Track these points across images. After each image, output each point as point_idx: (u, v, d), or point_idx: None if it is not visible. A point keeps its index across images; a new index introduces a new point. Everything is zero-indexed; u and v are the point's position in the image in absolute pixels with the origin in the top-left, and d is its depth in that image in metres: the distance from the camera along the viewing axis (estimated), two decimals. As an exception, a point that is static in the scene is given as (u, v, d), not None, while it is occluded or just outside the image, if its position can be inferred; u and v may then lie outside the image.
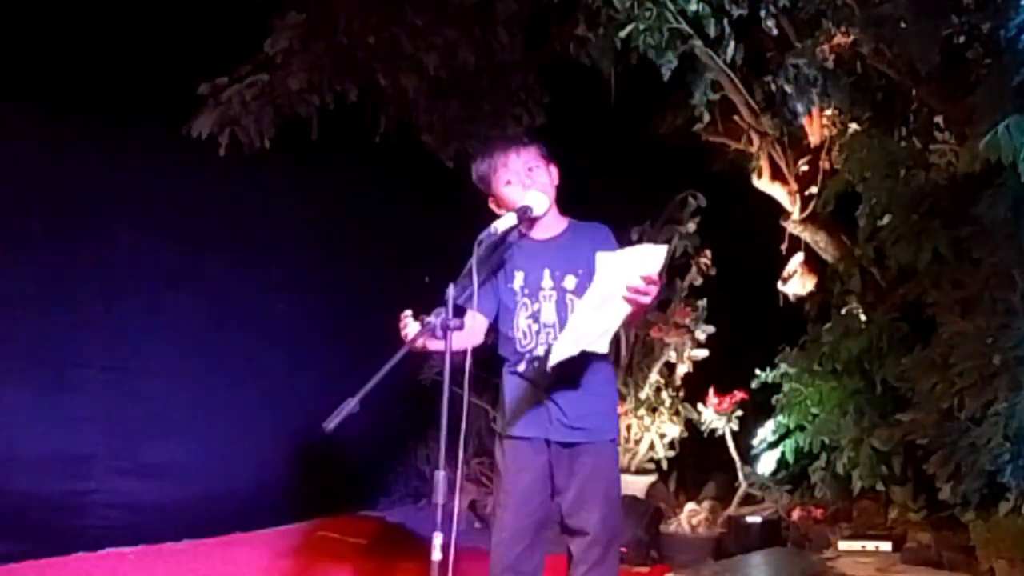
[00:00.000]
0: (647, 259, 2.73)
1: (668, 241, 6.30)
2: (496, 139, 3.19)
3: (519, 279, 3.11)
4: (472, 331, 3.05)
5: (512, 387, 3.13)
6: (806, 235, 6.15)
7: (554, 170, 3.16)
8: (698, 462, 6.23)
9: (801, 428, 5.67)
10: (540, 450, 3.06)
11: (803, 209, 6.08)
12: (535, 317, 3.08)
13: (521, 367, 3.08)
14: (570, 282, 3.05)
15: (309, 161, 5.85)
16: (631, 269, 2.72)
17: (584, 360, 2.98)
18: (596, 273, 2.77)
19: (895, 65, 5.22)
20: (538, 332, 3.07)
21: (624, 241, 3.25)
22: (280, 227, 6.11)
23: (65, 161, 5.26)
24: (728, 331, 6.13)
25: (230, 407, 5.91)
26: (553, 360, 2.88)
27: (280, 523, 6.00)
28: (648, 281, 2.71)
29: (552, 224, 3.15)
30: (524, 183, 3.08)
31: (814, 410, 5.63)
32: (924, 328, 5.34)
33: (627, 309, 2.78)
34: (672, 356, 6.11)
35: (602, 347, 2.88)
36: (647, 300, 2.75)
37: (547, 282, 3.08)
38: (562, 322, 3.03)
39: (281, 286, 6.13)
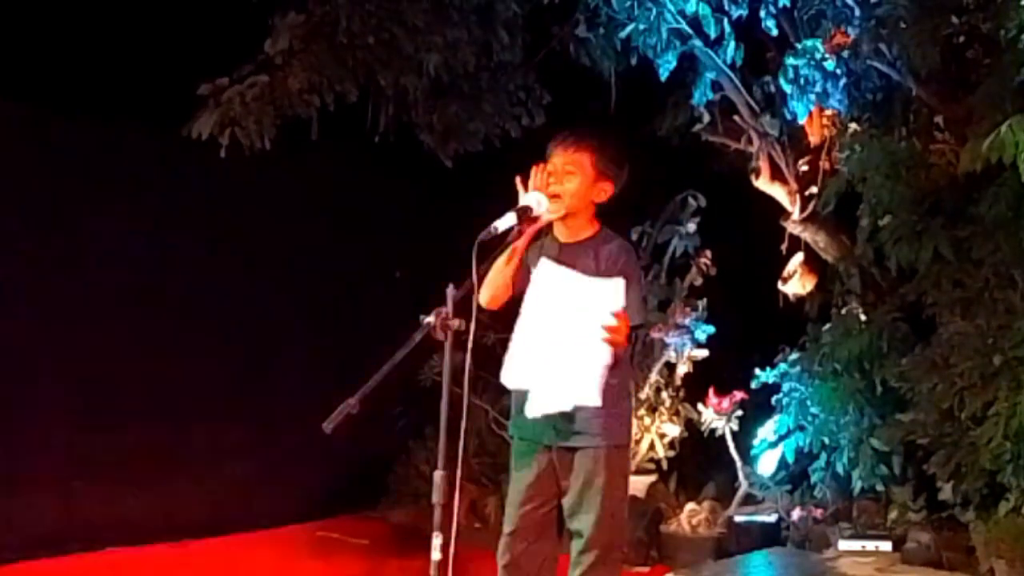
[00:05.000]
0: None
1: (668, 242, 6.31)
2: (577, 129, 3.14)
3: (531, 273, 3.12)
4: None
5: None
6: (806, 235, 6.14)
7: (607, 187, 3.10)
8: (698, 462, 6.22)
9: (801, 428, 5.67)
10: (542, 450, 3.07)
11: (803, 209, 6.06)
12: None
13: None
14: None
15: (309, 161, 5.85)
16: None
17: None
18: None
19: (895, 65, 5.22)
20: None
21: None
22: (277, 226, 6.11)
23: (64, 160, 5.27)
24: (728, 331, 6.13)
25: (230, 406, 5.91)
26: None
27: (280, 523, 6.00)
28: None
29: (577, 230, 3.12)
30: (555, 177, 3.04)
31: (814, 410, 5.62)
32: (924, 328, 5.34)
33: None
34: (672, 356, 6.10)
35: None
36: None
37: None
38: None
39: (280, 285, 6.13)
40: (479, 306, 2.75)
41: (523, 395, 3.07)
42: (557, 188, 3.05)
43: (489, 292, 3.04)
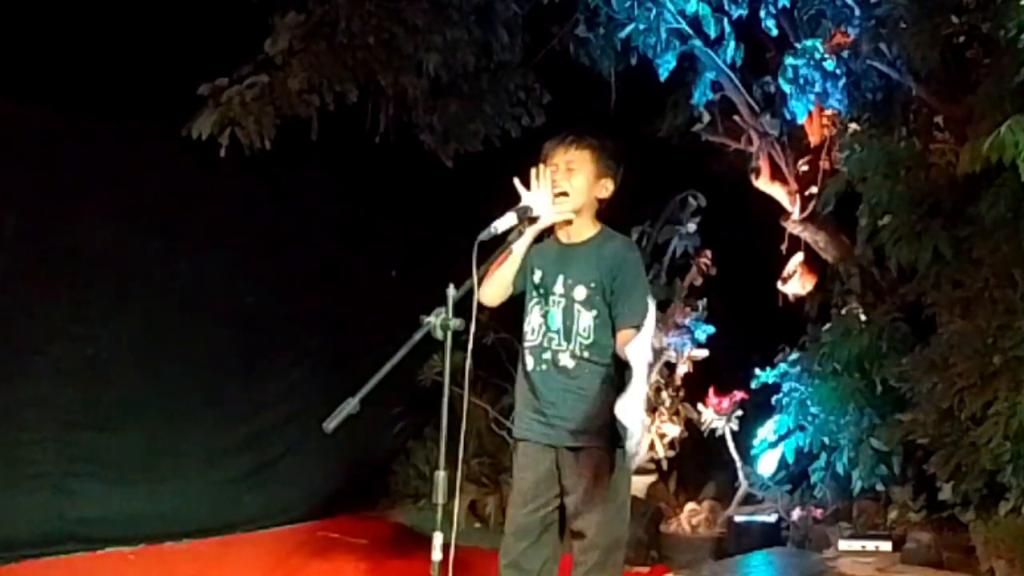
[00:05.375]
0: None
1: (668, 242, 6.31)
2: (572, 129, 3.17)
3: (537, 276, 3.13)
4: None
5: (520, 389, 3.17)
6: (806, 235, 6.14)
7: (608, 184, 3.13)
8: (698, 462, 6.22)
9: (801, 428, 5.67)
10: (545, 451, 3.07)
11: (803, 209, 6.06)
12: (544, 319, 3.10)
13: (529, 364, 3.11)
14: (580, 292, 3.06)
15: (309, 161, 5.86)
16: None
17: (592, 369, 2.99)
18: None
19: (895, 65, 5.22)
20: (545, 333, 3.09)
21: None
22: (277, 226, 6.11)
23: (65, 160, 5.27)
24: (728, 331, 6.13)
25: (229, 406, 5.92)
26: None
27: (280, 523, 6.01)
28: None
29: (580, 230, 3.13)
30: (559, 176, 3.06)
31: (814, 410, 5.62)
32: (924, 328, 5.33)
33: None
34: (672, 356, 6.10)
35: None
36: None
37: (559, 288, 3.09)
38: (566, 330, 3.05)
39: (281, 285, 6.13)
40: (479, 306, 2.74)
41: (528, 395, 3.09)
42: (564, 185, 3.05)
43: (489, 289, 3.04)
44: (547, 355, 3.07)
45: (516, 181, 3.04)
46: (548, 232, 3.17)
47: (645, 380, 2.79)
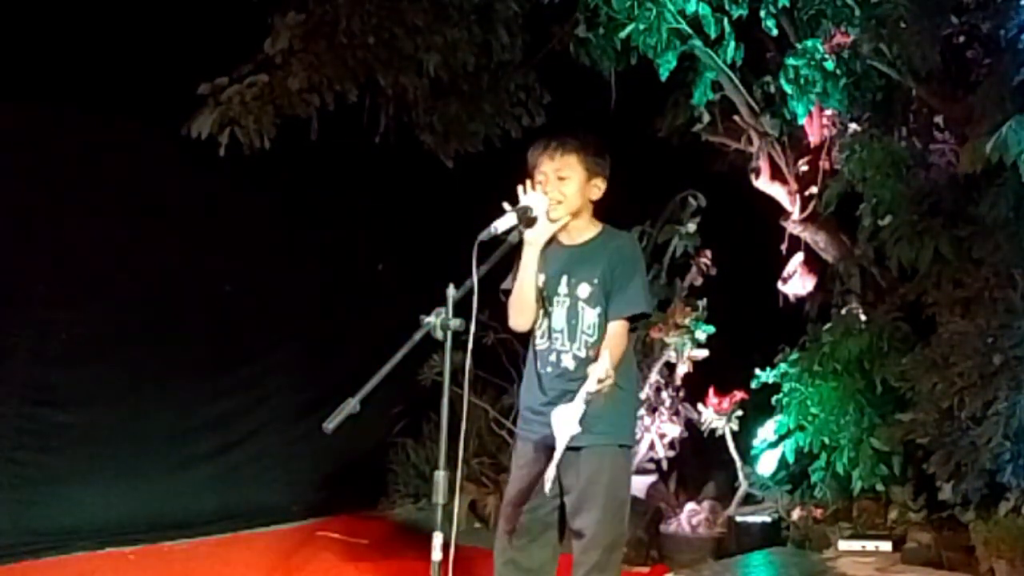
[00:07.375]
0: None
1: (668, 242, 6.30)
2: (554, 135, 3.19)
3: (541, 280, 3.14)
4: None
5: (525, 387, 3.18)
6: (806, 235, 6.14)
7: (599, 183, 3.14)
8: (698, 462, 6.22)
9: (801, 428, 5.66)
10: (546, 450, 3.07)
11: (803, 209, 6.07)
12: (548, 320, 3.12)
13: (536, 366, 3.13)
14: (583, 290, 3.08)
15: (309, 161, 5.86)
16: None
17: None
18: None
19: (895, 65, 5.22)
20: (550, 335, 3.11)
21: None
22: (277, 226, 6.11)
23: (64, 160, 5.28)
24: (728, 331, 6.12)
25: (230, 406, 5.92)
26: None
27: (280, 523, 6.01)
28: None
29: (581, 231, 3.15)
30: (550, 185, 3.07)
31: (814, 410, 5.61)
32: (924, 328, 5.34)
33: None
34: (672, 356, 6.10)
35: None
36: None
37: (563, 288, 3.11)
38: (570, 329, 3.07)
39: (281, 285, 6.13)
40: (478, 306, 2.74)
41: (532, 393, 3.12)
42: (556, 194, 3.07)
43: (517, 317, 3.10)
44: (552, 356, 3.10)
45: (506, 205, 3.04)
46: (550, 238, 3.17)
47: (584, 397, 2.77)
